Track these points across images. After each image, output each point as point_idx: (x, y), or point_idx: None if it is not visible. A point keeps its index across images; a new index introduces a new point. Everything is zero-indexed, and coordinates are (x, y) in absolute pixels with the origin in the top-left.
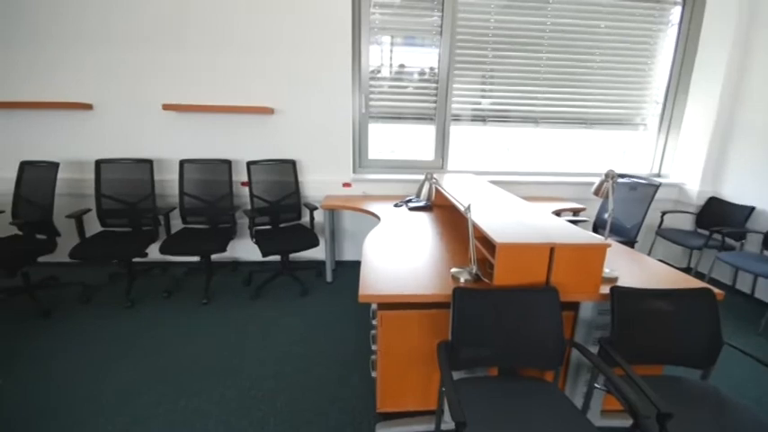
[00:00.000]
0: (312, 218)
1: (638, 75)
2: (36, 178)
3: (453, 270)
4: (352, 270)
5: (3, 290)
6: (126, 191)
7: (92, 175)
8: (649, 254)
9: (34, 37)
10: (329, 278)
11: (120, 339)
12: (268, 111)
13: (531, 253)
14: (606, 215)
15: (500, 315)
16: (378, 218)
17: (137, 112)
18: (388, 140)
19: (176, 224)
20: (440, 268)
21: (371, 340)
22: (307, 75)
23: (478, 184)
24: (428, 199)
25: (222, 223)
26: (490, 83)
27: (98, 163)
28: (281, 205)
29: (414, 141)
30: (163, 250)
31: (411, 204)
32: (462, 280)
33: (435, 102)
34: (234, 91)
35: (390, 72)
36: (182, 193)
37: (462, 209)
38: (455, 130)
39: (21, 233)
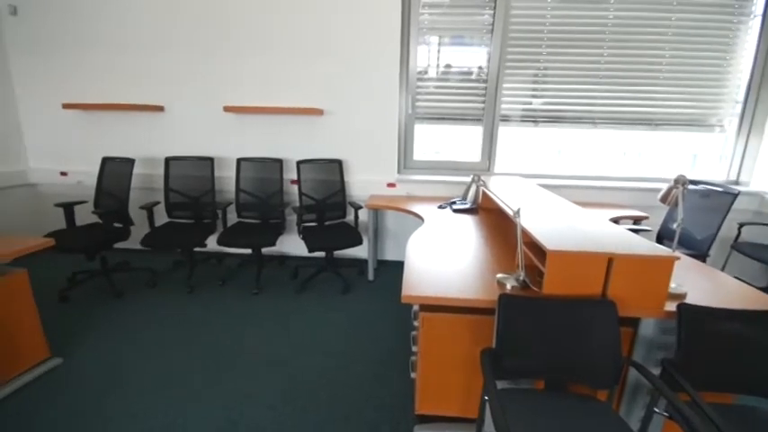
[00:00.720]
0: (356, 216)
1: (715, 71)
2: (115, 173)
3: (499, 276)
4: (393, 270)
5: (84, 271)
6: (190, 186)
7: (161, 171)
8: (723, 269)
9: (115, 47)
10: (371, 276)
11: (181, 321)
12: (318, 112)
13: (586, 262)
14: (674, 225)
15: (549, 325)
16: (421, 219)
17: (201, 113)
18: (434, 141)
19: (232, 218)
20: (485, 273)
21: (412, 341)
22: (355, 77)
23: (527, 187)
24: (474, 201)
25: (272, 219)
26: (543, 82)
27: (167, 160)
28: (327, 203)
29: (459, 142)
30: (220, 242)
31: (456, 206)
32: (509, 286)
33: (483, 102)
34: (287, 93)
35: (437, 72)
36: (238, 189)
37: (511, 213)
38: (503, 132)
39: (100, 221)
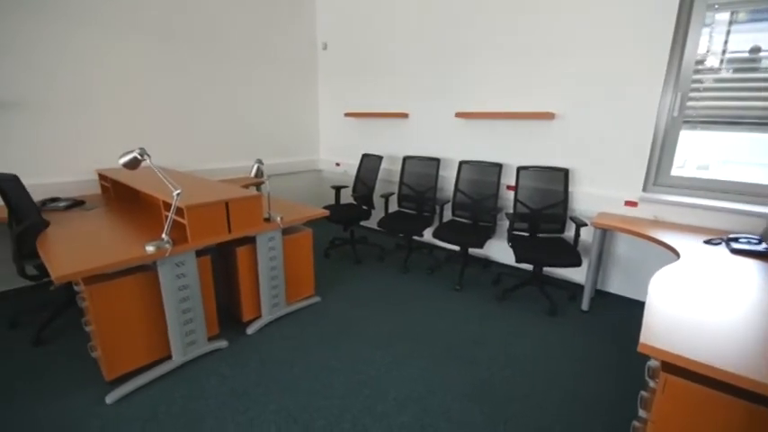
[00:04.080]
0: (577, 234)
1: None
2: (369, 166)
3: None
4: (616, 306)
5: (339, 238)
6: (418, 182)
7: (398, 167)
8: None
9: (380, 70)
10: (585, 306)
11: (395, 294)
12: (548, 116)
13: None
14: None
15: None
16: (675, 253)
17: (436, 119)
18: (703, 153)
19: (447, 215)
20: None
21: (640, 403)
22: (600, 74)
23: None
24: None
25: (483, 221)
26: None
27: (404, 159)
28: (543, 214)
29: (746, 156)
30: (434, 234)
31: (736, 245)
32: None
33: None
34: (516, 97)
35: (721, 62)
36: (456, 189)
37: None
38: None
39: (355, 203)
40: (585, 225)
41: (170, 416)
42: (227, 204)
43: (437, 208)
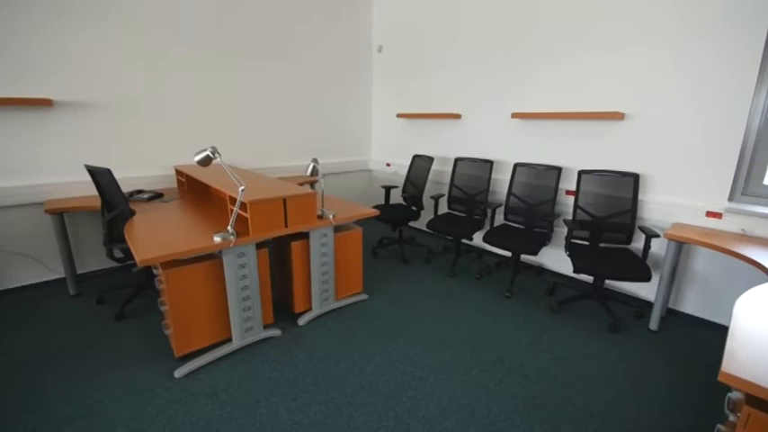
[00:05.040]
0: (647, 246)
1: None
2: (419, 167)
3: None
4: (692, 328)
5: (388, 238)
6: (469, 184)
7: (449, 169)
8: None
9: (434, 70)
10: (654, 326)
11: (442, 297)
12: (617, 116)
13: None
14: None
15: None
16: (766, 272)
17: (491, 120)
18: None
19: (499, 219)
20: None
21: None
22: (680, 70)
23: None
24: None
25: (538, 227)
26: None
27: (456, 160)
28: (607, 222)
29: None
30: (485, 239)
31: None
32: None
33: None
34: (578, 96)
35: None
36: (509, 192)
37: None
38: None
39: (404, 203)
40: (657, 236)
41: (228, 394)
42: (284, 201)
43: (489, 211)
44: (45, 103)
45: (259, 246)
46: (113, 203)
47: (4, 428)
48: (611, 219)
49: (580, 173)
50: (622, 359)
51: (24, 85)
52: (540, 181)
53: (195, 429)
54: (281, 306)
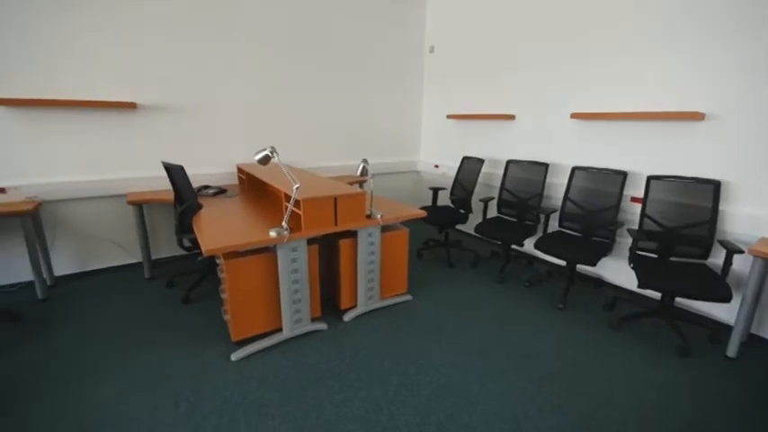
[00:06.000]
0: (728, 262)
1: None
2: (469, 169)
3: None
4: None
5: (434, 240)
6: (521, 188)
7: (501, 172)
8: None
9: (486, 71)
10: (732, 352)
11: (490, 304)
12: (695, 116)
13: None
14: None
15: None
16: None
17: (547, 121)
18: None
19: (553, 225)
20: None
21: None
22: None
23: None
24: None
25: (597, 236)
26: None
27: (507, 162)
28: (679, 234)
29: None
30: (537, 246)
31: None
32: None
33: None
34: (647, 95)
35: None
36: (566, 198)
37: None
38: None
39: (452, 206)
40: (741, 252)
41: (278, 381)
42: (335, 199)
43: (542, 217)
44: (131, 107)
45: (310, 242)
46: (184, 197)
47: (85, 394)
48: (685, 230)
49: (649, 178)
50: (693, 387)
51: (118, 91)
52: (600, 186)
53: (247, 411)
54: (328, 301)
